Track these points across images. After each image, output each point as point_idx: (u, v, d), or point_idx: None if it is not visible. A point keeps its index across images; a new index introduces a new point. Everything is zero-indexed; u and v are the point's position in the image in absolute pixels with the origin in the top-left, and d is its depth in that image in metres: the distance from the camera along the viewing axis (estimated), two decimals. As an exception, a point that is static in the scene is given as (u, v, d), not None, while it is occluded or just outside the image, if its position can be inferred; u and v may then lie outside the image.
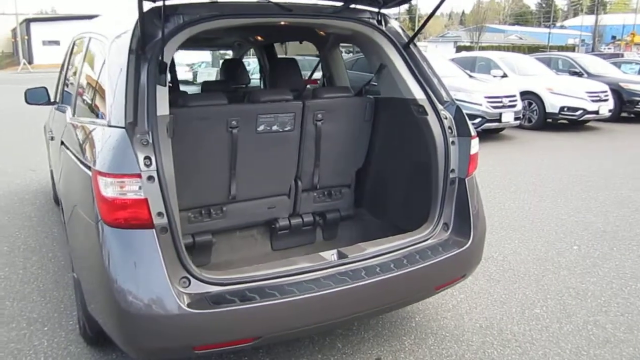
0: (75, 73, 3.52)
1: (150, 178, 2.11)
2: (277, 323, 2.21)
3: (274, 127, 2.93)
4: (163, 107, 2.28)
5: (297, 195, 3.22)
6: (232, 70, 4.56)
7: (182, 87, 5.05)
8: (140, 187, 2.06)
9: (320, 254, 2.52)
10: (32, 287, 3.66)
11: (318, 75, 4.14)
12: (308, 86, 3.55)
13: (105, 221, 2.11)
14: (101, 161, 2.13)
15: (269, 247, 3.28)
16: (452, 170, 2.80)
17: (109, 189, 2.07)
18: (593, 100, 10.83)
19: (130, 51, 2.25)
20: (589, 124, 11.93)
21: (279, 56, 4.99)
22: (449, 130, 2.81)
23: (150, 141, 2.14)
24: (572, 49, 50.60)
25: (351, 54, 12.54)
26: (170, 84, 3.31)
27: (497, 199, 5.90)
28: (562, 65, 13.75)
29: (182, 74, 22.99)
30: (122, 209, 2.06)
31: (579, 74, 12.90)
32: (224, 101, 2.78)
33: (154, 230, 2.09)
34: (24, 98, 4.41)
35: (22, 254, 4.26)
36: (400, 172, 3.16)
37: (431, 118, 2.83)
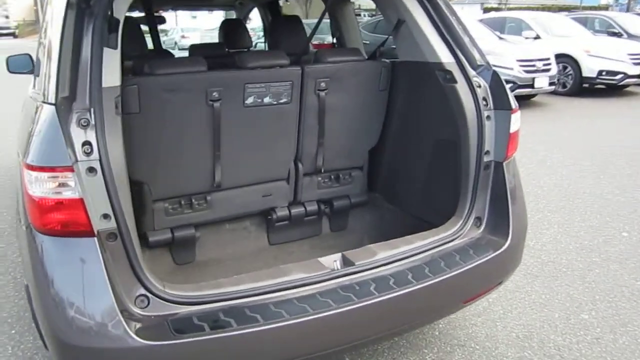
0: (42, 33, 3.02)
1: (90, 170, 1.62)
2: (258, 357, 1.72)
3: (266, 99, 2.39)
4: (112, 76, 1.77)
5: (298, 181, 2.70)
6: (231, 32, 3.98)
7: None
8: (74, 184, 1.57)
9: (320, 260, 2.01)
10: (7, 278, 3.26)
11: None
12: (312, 49, 2.96)
13: (34, 226, 1.63)
14: (28, 150, 1.63)
15: (265, 241, 2.79)
16: (487, 152, 2.24)
17: (34, 186, 1.58)
18: (635, 64, 9.93)
19: (69, 4, 1.72)
20: (629, 89, 11.06)
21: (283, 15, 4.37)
22: (484, 102, 2.24)
23: (92, 121, 1.63)
24: (604, 8, 48.21)
25: (374, 17, 11.81)
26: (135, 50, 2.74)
27: (532, 175, 5.29)
28: (600, 25, 12.72)
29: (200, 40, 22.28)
30: (53, 211, 1.58)
31: (619, 35, 11.92)
32: (201, 67, 2.25)
33: (95, 238, 1.61)
34: (5, 66, 3.91)
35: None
36: (422, 153, 2.61)
37: (461, 86, 2.26)
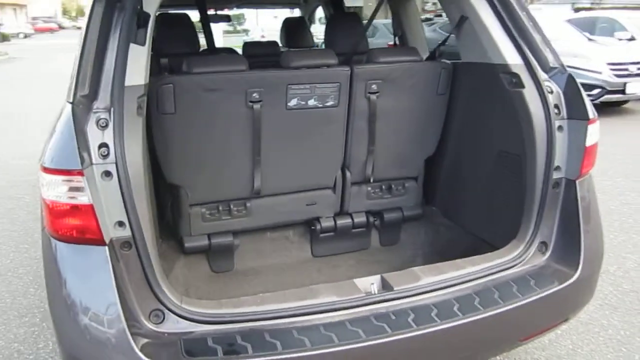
0: None
1: (107, 174, 1.52)
2: None
3: (311, 102, 2.22)
4: (137, 75, 1.66)
5: (345, 190, 2.51)
6: (292, 30, 3.85)
7: None
8: (84, 188, 1.47)
9: (356, 281, 1.81)
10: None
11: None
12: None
13: (47, 230, 1.55)
14: (45, 151, 1.56)
15: (308, 253, 2.62)
16: (557, 168, 1.96)
17: (47, 189, 1.50)
18: None
19: None
20: None
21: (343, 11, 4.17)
22: (555, 110, 1.95)
23: (110, 122, 1.53)
24: None
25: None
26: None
27: (618, 189, 4.78)
28: None
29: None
30: (63, 217, 1.49)
31: None
32: (241, 66, 2.11)
33: (106, 247, 1.50)
34: None
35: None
36: (483, 165, 2.34)
37: (529, 92, 1.99)
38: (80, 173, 1.44)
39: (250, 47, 3.50)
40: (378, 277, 1.84)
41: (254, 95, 2.11)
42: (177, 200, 2.28)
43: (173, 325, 1.61)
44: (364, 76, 2.26)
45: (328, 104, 2.24)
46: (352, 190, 2.53)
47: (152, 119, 2.07)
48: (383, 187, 2.58)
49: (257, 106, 2.13)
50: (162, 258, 2.32)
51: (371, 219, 2.63)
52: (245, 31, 26.45)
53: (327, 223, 2.53)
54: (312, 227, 2.55)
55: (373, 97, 2.30)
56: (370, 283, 1.80)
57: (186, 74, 2.06)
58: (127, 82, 1.60)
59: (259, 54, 3.24)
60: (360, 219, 2.59)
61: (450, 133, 2.52)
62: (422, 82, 2.35)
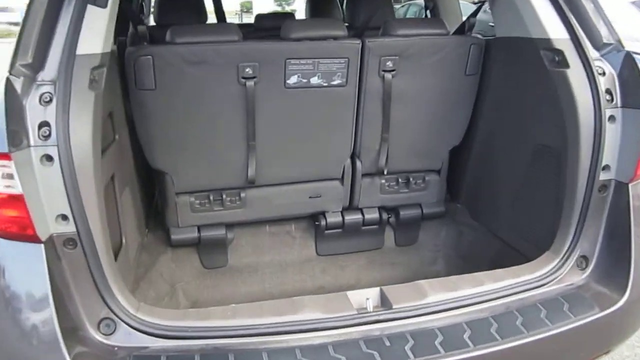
0: None
1: (47, 159, 1.28)
2: None
3: (314, 80, 1.91)
4: (93, 41, 1.40)
5: (355, 182, 2.21)
6: (319, 3, 3.51)
7: None
8: (13, 175, 1.23)
9: (349, 294, 1.52)
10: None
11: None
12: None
13: None
14: None
15: (312, 251, 2.34)
16: (606, 168, 1.60)
17: None
18: None
19: None
20: None
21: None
22: (607, 96, 1.59)
23: (54, 96, 1.29)
24: None
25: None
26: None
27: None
28: None
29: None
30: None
31: None
32: (231, 36, 1.82)
33: (42, 245, 1.27)
34: None
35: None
36: (516, 160, 1.98)
37: (575, 72, 1.62)
38: (6, 157, 1.20)
39: (263, 19, 3.19)
40: (377, 290, 1.55)
41: (246, 70, 1.83)
42: (163, 188, 2.04)
43: (125, 337, 1.37)
44: (378, 51, 1.93)
45: (334, 82, 1.94)
46: (364, 182, 2.22)
47: (130, 95, 1.83)
48: (399, 180, 2.26)
49: (250, 83, 1.84)
50: (146, 251, 2.10)
51: (385, 216, 2.32)
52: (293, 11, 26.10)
53: (333, 218, 2.24)
54: (316, 223, 2.26)
55: (388, 75, 1.97)
56: (365, 297, 1.51)
57: (167, 44, 1.80)
58: (80, 51, 1.35)
59: (270, 27, 2.93)
60: (373, 215, 2.28)
61: (480, 120, 2.17)
62: (448, 59, 2.01)
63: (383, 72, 1.97)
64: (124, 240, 1.74)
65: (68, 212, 1.30)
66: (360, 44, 1.91)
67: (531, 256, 1.74)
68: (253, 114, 1.90)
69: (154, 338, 1.37)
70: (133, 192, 1.96)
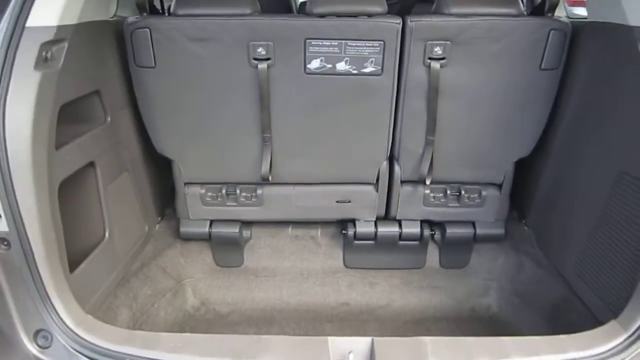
0: None
1: None
2: None
3: (341, 66, 1.58)
4: (46, 12, 1.19)
5: (393, 189, 1.86)
6: None
7: None
8: None
9: (330, 341, 1.22)
10: None
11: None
12: None
13: None
14: None
15: (339, 261, 2.04)
16: None
17: None
18: None
19: None
20: None
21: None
22: None
23: None
24: None
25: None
26: None
27: None
28: None
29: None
30: None
31: None
32: (242, 9, 1.54)
33: None
34: None
35: None
36: (595, 185, 1.51)
37: None
38: None
39: None
40: (367, 341, 1.23)
41: (258, 50, 1.54)
42: (172, 176, 1.85)
43: (60, 354, 1.20)
44: (423, 33, 1.54)
45: (366, 70, 1.59)
46: (404, 190, 1.86)
47: (131, 73, 1.63)
48: (448, 191, 1.87)
49: (262, 66, 1.56)
50: (154, 241, 1.93)
51: (428, 231, 1.95)
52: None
53: (364, 228, 1.92)
54: (343, 232, 1.95)
55: (435, 65, 1.58)
56: (349, 350, 1.20)
57: (168, 16, 1.56)
58: (30, 22, 1.15)
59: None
60: (413, 229, 1.93)
61: (559, 129, 1.70)
62: (516, 48, 1.56)
63: (429, 61, 1.58)
64: (106, 234, 1.57)
65: None
66: (401, 24, 1.54)
67: (602, 316, 1.33)
68: (268, 103, 1.62)
69: (82, 357, 1.18)
70: (136, 177, 1.78)
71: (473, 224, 1.93)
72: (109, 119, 1.57)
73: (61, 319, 1.21)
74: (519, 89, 1.63)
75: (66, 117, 1.45)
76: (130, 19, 1.56)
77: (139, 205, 1.82)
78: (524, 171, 1.88)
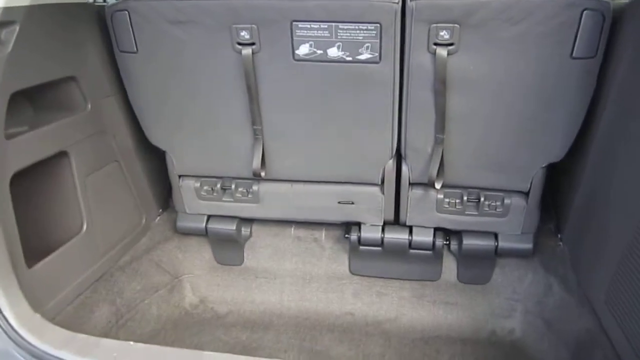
0: None
1: None
2: None
3: (332, 52, 1.40)
4: None
5: (401, 191, 1.65)
6: None
7: None
8: None
9: None
10: None
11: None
12: None
13: None
14: None
15: (344, 267, 1.86)
16: None
17: None
18: None
19: None
20: None
21: None
22: None
23: None
24: None
25: None
26: None
27: None
28: None
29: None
30: None
31: None
32: None
33: None
34: None
35: None
36: (633, 202, 1.23)
37: None
38: None
39: None
40: None
41: (242, 34, 1.40)
42: (165, 167, 1.76)
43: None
44: (426, 14, 1.33)
45: (362, 57, 1.40)
46: (413, 194, 1.65)
47: (116, 58, 1.55)
48: (465, 197, 1.63)
49: (247, 51, 1.42)
50: (150, 234, 1.87)
51: (441, 241, 1.73)
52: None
53: (369, 233, 1.73)
54: (346, 236, 1.78)
55: (442, 51, 1.35)
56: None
57: None
58: None
59: None
60: (424, 237, 1.71)
61: (597, 128, 1.42)
62: (541, 32, 1.30)
63: (435, 47, 1.36)
64: (84, 227, 1.51)
65: None
66: (400, 4, 1.33)
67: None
68: (256, 92, 1.48)
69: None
70: (129, 168, 1.71)
71: (495, 235, 1.68)
72: (89, 106, 1.50)
73: (4, 316, 1.16)
74: (546, 82, 1.37)
75: (33, 105, 1.39)
76: (111, 1, 1.48)
77: (133, 197, 1.75)
78: (560, 178, 1.60)
